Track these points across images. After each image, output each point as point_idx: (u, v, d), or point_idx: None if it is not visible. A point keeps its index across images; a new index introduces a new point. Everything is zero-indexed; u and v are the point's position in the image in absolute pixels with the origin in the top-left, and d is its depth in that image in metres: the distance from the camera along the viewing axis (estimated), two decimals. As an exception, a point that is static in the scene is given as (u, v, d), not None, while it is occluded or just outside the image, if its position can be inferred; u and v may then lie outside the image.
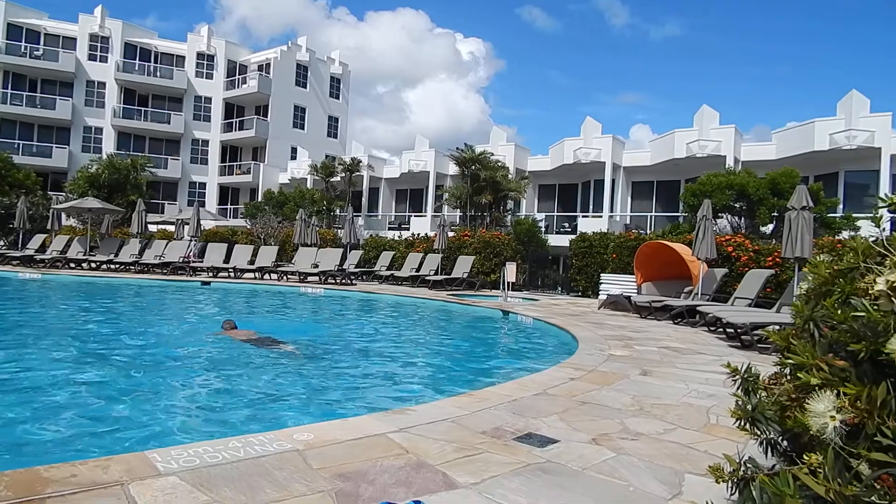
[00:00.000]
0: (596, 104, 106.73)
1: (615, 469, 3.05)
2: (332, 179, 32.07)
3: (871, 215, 1.61)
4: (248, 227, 28.30)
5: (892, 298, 0.49)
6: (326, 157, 36.97)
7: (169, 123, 40.29)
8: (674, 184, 25.12)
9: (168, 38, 42.42)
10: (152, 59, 40.85)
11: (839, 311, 1.28)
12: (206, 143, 41.79)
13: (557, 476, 2.90)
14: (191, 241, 21.25)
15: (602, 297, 15.38)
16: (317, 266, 19.51)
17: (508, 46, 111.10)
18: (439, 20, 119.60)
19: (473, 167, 24.92)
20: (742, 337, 8.84)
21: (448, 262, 20.30)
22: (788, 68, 79.97)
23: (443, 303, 14.57)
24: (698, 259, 12.67)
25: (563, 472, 2.96)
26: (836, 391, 0.83)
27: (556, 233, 25.24)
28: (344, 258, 20.62)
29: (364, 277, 21.44)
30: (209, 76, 41.90)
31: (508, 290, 15.67)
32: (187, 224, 21.77)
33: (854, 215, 17.06)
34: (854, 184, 20.68)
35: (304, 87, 43.55)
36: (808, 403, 0.81)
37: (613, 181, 25.24)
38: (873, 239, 1.16)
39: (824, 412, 0.77)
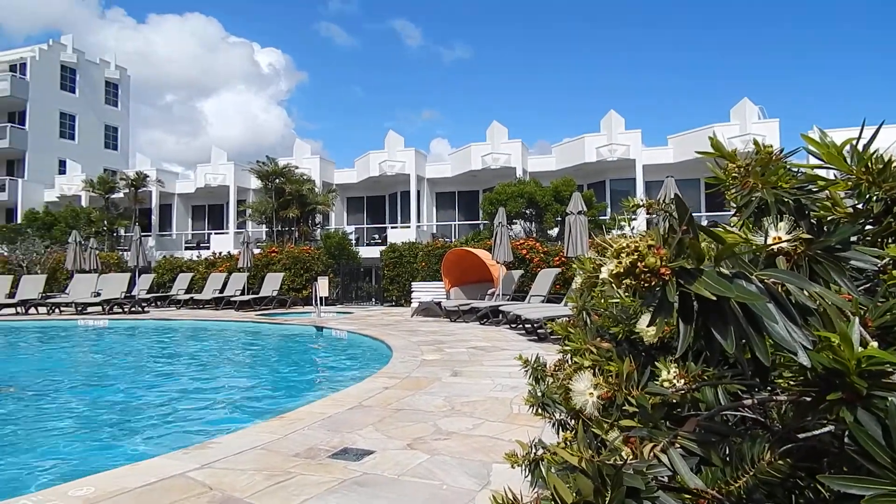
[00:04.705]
0: (398, 119, 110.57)
1: (430, 470, 3.14)
2: (113, 196, 28.51)
3: (625, 216, 1.89)
4: (5, 254, 23.91)
5: (614, 285, 0.58)
6: (105, 170, 32.78)
7: None
8: (473, 194, 26.91)
9: None
10: None
11: (602, 300, 1.44)
12: (-61, 155, 34.35)
13: (373, 487, 2.90)
14: (-79, 275, 17.27)
15: (414, 304, 15.84)
16: (98, 294, 17.14)
17: (309, 60, 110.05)
18: (233, 29, 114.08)
19: (277, 181, 24.05)
20: (538, 331, 9.75)
21: (255, 281, 19.28)
22: (561, 84, 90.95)
23: (251, 324, 13.78)
24: (498, 262, 13.72)
25: (379, 482, 2.97)
26: (594, 370, 0.94)
27: (367, 245, 25.44)
28: (132, 283, 18.45)
29: (158, 303, 19.41)
30: (-59, 75, 34.56)
31: (322, 305, 15.37)
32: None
33: (619, 217, 19.92)
34: (617, 190, 24.11)
35: (73, 91, 38.01)
36: (570, 384, 0.91)
37: (419, 192, 26.22)
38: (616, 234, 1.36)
39: (584, 390, 0.87)
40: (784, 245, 0.75)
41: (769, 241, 0.73)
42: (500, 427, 4.05)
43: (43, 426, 5.42)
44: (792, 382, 0.86)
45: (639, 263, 0.57)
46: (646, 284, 0.57)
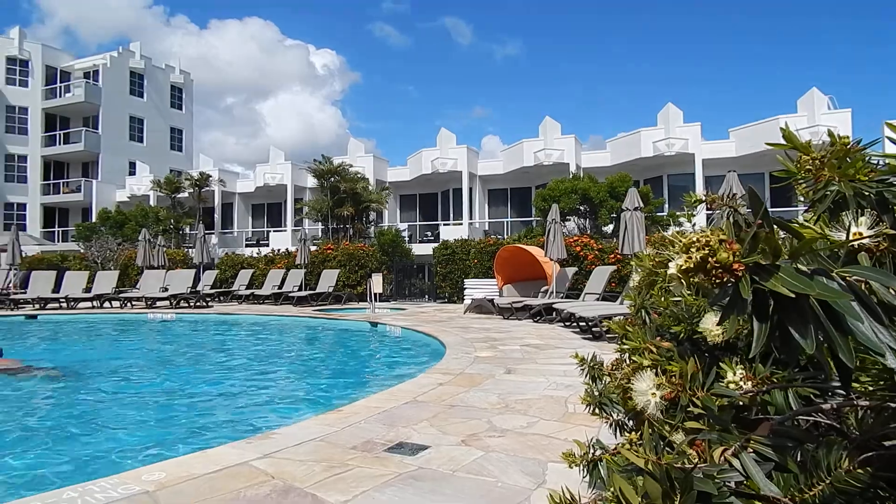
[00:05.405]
0: (449, 117, 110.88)
1: (484, 467, 3.15)
2: (178, 195, 29.84)
3: (686, 212, 1.82)
4: (82, 251, 25.45)
5: (682, 281, 0.56)
6: (171, 171, 34.37)
7: (-26, 137, 34.99)
8: (526, 190, 26.69)
9: (-31, 39, 36.80)
10: (-51, 64, 35.22)
11: (662, 298, 1.40)
12: (23, 158, 36.76)
13: (429, 482, 2.93)
14: (9, 270, 18.56)
15: (467, 301, 15.86)
16: (166, 289, 17.99)
17: (363, 60, 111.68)
18: (289, 31, 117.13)
19: (333, 179, 24.57)
20: (593, 329, 9.58)
21: (312, 277, 19.77)
22: (615, 79, 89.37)
23: (309, 319, 14.14)
24: (551, 259, 13.55)
25: (435, 477, 2.99)
26: (656, 370, 0.92)
27: (420, 242, 25.65)
28: (197, 279, 19.25)
29: (221, 298, 20.17)
30: (23, 83, 36.95)
31: (376, 301, 15.61)
32: (4, 251, 19.00)
33: (677, 213, 19.31)
34: (675, 185, 23.40)
35: (141, 96, 40.04)
36: (631, 384, 0.89)
37: (471, 189, 26.22)
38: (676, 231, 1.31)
39: (646, 390, 0.85)
40: (866, 241, 0.70)
41: (850, 237, 0.70)
42: (555, 426, 4.00)
43: (115, 413, 5.74)
44: (871, 387, 0.81)
45: (710, 259, 0.55)
46: (717, 281, 0.55)
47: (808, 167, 0.94)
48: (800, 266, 0.57)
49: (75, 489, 2.77)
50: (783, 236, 0.74)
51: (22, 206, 36.54)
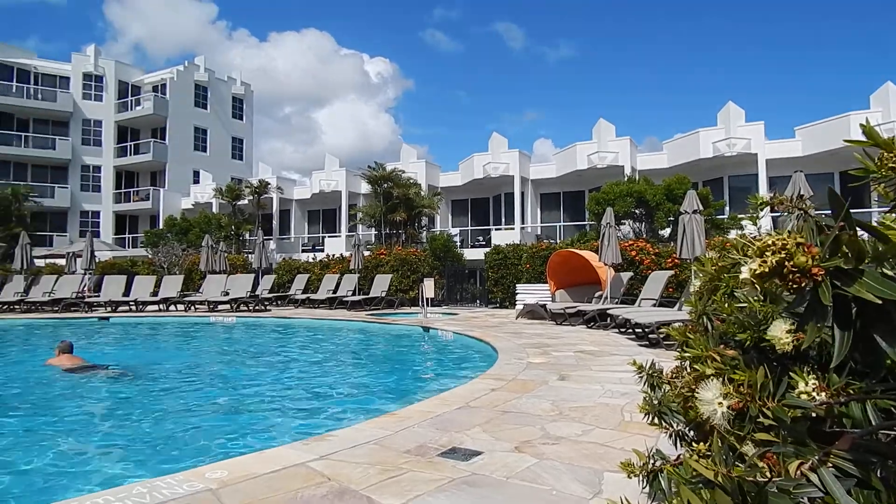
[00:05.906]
0: (501, 121, 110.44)
1: (538, 475, 3.10)
2: (239, 203, 30.94)
3: (751, 215, 1.75)
4: (150, 256, 26.74)
5: (756, 286, 0.53)
6: (232, 179, 35.66)
7: (54, 149, 37.30)
8: (579, 194, 26.28)
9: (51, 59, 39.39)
10: (31, 81, 37.73)
11: (726, 305, 1.35)
12: (97, 168, 39.03)
13: (483, 488, 2.91)
14: (84, 274, 19.71)
15: (519, 307, 15.73)
16: (227, 293, 18.67)
17: (415, 67, 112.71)
18: (344, 41, 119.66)
19: (386, 185, 24.91)
20: (649, 336, 9.33)
21: (365, 282, 20.07)
22: (671, 79, 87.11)
23: (362, 323, 14.35)
24: (605, 264, 13.29)
25: (488, 483, 2.97)
26: (722, 378, 0.88)
27: (472, 247, 25.64)
28: (256, 284, 19.88)
29: (279, 302, 20.76)
30: (98, 98, 39.27)
31: (428, 306, 15.69)
32: (80, 257, 20.19)
33: (739, 216, 18.59)
34: (737, 187, 22.52)
35: (205, 107, 41.86)
36: (694, 393, 0.86)
37: (523, 194, 26.03)
38: (746, 235, 1.27)
39: (712, 399, 0.81)
40: (959, 243, 0.65)
41: (941, 239, 0.65)
42: (611, 434, 3.91)
43: (179, 412, 5.98)
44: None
45: (787, 263, 0.52)
46: (794, 286, 0.52)
47: (890, 165, 0.88)
48: (885, 270, 0.53)
49: (144, 485, 2.90)
50: (864, 238, 0.70)
51: (96, 214, 38.75)
